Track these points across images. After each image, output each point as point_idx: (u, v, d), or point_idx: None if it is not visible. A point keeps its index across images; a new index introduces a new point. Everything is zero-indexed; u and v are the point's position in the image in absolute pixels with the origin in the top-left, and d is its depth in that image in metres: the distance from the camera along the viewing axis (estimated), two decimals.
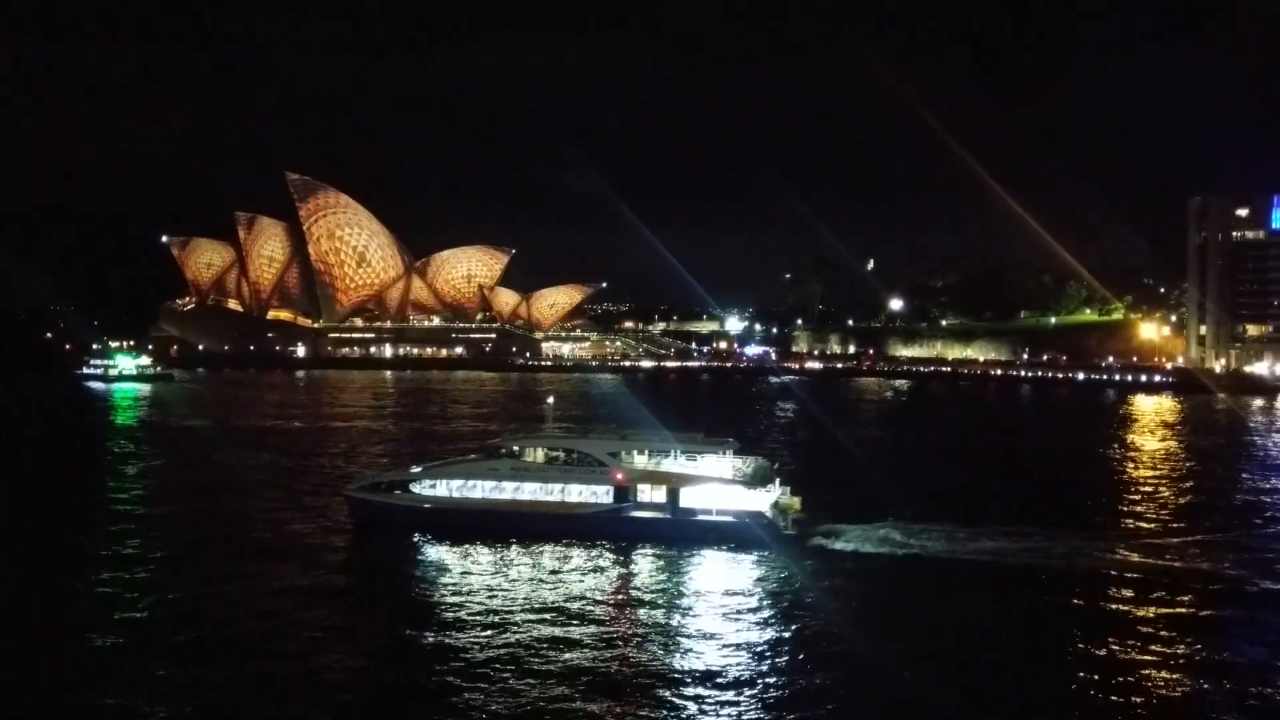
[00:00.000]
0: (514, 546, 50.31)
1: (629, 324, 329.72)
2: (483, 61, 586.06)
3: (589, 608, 40.88)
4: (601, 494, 53.14)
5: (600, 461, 54.33)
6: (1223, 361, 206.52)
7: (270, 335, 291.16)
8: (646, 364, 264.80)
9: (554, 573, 46.13)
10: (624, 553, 49.41)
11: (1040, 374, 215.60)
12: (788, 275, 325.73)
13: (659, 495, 52.54)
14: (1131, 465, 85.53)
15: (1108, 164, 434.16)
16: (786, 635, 38.17)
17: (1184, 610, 41.32)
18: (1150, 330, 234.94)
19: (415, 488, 55.25)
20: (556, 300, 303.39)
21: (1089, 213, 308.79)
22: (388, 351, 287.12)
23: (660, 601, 42.21)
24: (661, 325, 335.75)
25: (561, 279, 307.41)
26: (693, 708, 31.24)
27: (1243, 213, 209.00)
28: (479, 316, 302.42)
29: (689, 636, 37.77)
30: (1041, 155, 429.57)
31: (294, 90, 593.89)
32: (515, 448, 56.90)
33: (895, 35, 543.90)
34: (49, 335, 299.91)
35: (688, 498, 52.30)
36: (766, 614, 40.64)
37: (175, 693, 31.51)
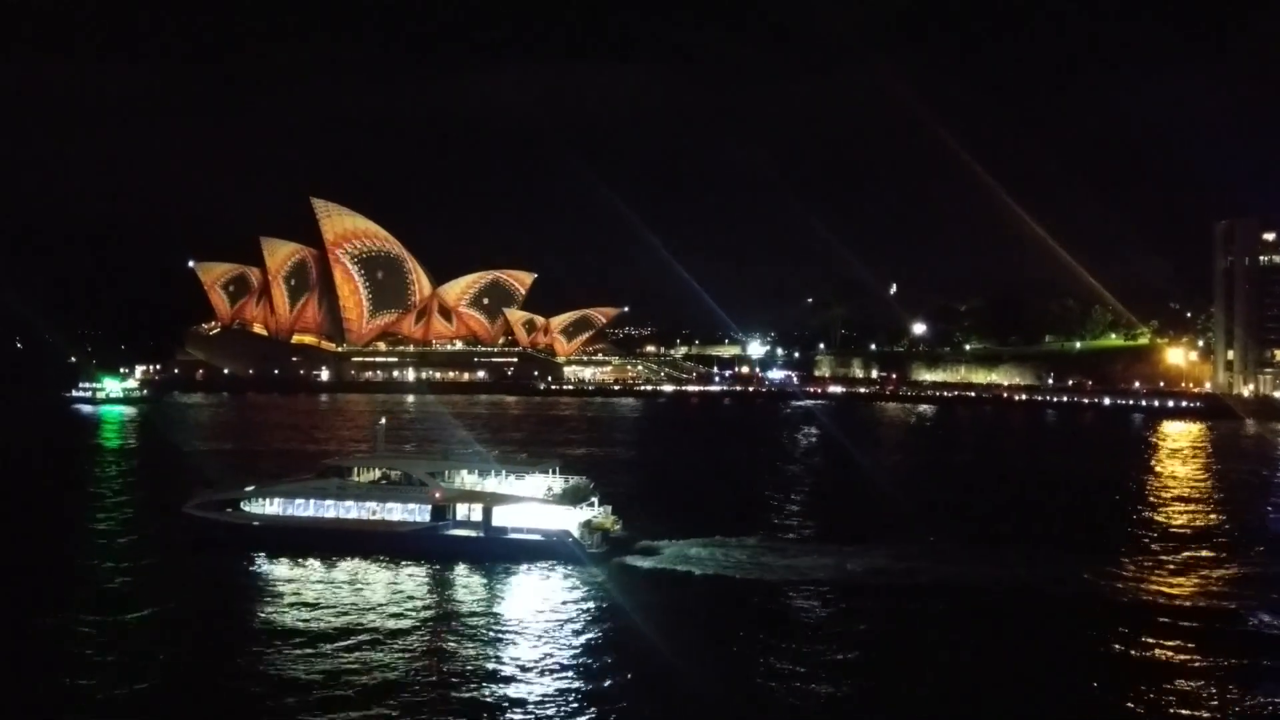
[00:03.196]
0: (335, 564, 51.98)
1: (651, 348, 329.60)
2: (504, 87, 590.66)
3: (391, 623, 42.54)
4: (419, 513, 55.05)
5: (421, 481, 56.55)
6: (1251, 387, 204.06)
7: (294, 359, 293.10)
8: (668, 388, 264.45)
9: (364, 589, 47.88)
10: (438, 570, 51.25)
11: (1066, 399, 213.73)
12: (810, 299, 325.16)
13: (474, 514, 54.46)
14: (1146, 487, 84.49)
15: (1133, 187, 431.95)
16: (566, 647, 39.72)
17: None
18: (1177, 355, 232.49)
19: (246, 506, 57.31)
20: (578, 324, 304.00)
21: (1114, 236, 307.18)
22: (410, 375, 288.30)
23: (460, 617, 43.90)
24: (683, 349, 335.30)
25: (583, 303, 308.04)
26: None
27: (1270, 236, 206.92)
28: (501, 340, 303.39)
29: (476, 653, 39.07)
30: (1065, 178, 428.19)
31: (318, 115, 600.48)
32: (341, 468, 59.68)
33: (916, 57, 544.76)
34: (35, 357, 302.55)
35: (500, 516, 54.11)
36: (554, 629, 42.06)
37: None
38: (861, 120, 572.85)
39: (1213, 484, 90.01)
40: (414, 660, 38.09)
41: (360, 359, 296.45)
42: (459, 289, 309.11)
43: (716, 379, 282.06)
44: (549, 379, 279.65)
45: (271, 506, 57.23)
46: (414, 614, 44.12)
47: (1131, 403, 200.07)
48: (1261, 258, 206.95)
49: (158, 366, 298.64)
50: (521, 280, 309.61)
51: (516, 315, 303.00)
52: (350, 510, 55.94)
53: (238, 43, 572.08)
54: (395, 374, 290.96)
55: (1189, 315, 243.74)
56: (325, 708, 32.90)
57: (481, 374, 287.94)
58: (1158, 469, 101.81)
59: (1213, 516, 71.64)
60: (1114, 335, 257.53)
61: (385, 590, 47.64)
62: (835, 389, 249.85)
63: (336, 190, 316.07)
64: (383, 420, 70.00)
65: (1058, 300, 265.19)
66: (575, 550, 52.42)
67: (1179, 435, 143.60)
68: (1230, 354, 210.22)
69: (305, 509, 56.60)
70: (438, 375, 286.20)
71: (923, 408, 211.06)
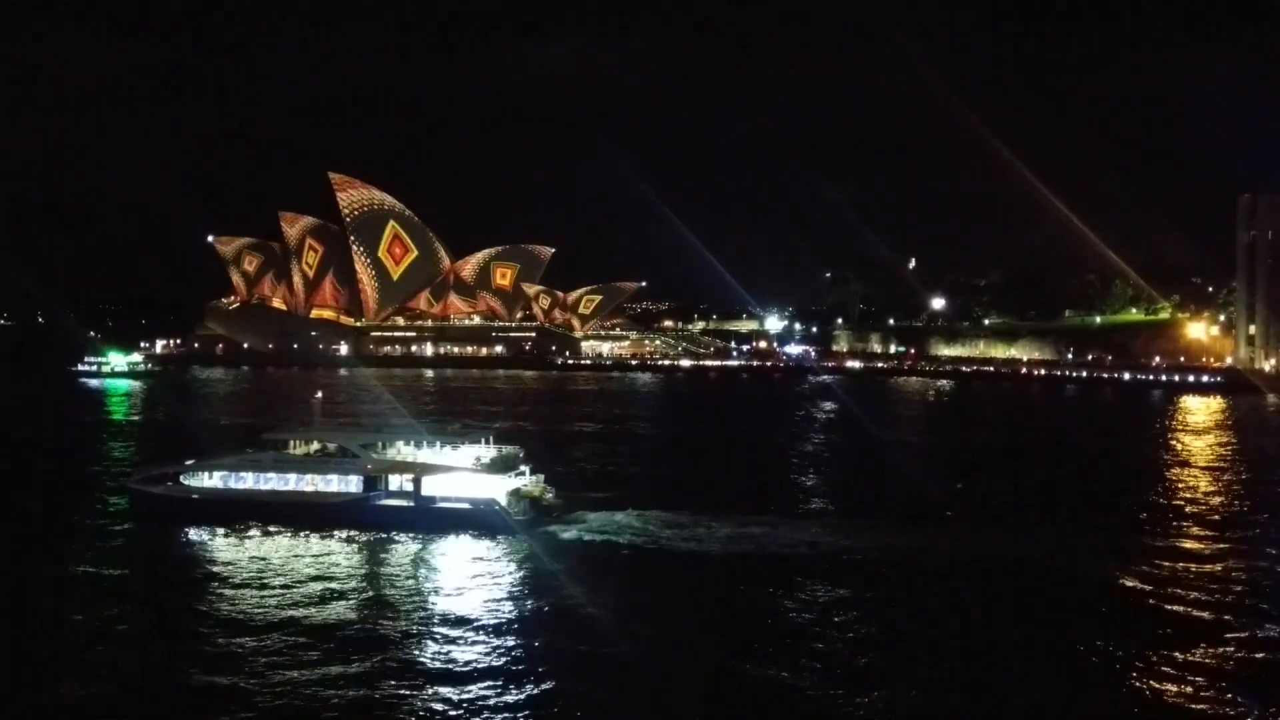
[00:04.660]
0: (271, 535, 53.18)
1: (668, 323, 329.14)
2: (522, 61, 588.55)
3: (320, 592, 43.25)
4: (353, 484, 56.04)
5: (354, 453, 57.88)
6: (1272, 361, 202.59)
7: (313, 334, 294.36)
8: (686, 363, 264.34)
9: (297, 559, 48.89)
10: (370, 539, 52.47)
11: (1086, 374, 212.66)
12: (828, 274, 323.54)
13: (405, 484, 55.53)
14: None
15: (1155, 161, 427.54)
16: (482, 613, 40.79)
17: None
18: (1198, 330, 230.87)
19: (185, 479, 58.49)
20: (596, 299, 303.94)
21: (1136, 211, 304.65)
22: (428, 350, 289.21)
23: (387, 585, 45.45)
24: (701, 324, 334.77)
25: (601, 278, 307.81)
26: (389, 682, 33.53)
27: None
28: (519, 315, 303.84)
29: (397, 619, 39.74)
30: (1087, 153, 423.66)
31: (339, 93, 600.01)
32: (278, 440, 61.36)
33: (936, 31, 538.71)
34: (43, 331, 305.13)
35: (429, 486, 55.16)
36: (475, 595, 43.38)
37: None
38: (881, 96, 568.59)
39: (1235, 459, 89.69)
40: (339, 630, 38.64)
41: (378, 333, 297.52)
42: (477, 264, 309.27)
43: (734, 354, 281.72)
44: (566, 354, 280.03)
45: (211, 480, 58.37)
46: (343, 583, 45.23)
47: (1152, 378, 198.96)
48: None
49: (178, 341, 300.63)
50: (540, 255, 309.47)
51: (534, 290, 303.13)
52: (286, 482, 57.06)
53: (265, 20, 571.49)
54: (414, 349, 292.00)
55: (1210, 290, 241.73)
56: (259, 677, 33.59)
57: (499, 349, 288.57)
58: (1178, 444, 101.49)
59: (1235, 493, 71.47)
60: (1134, 310, 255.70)
61: (317, 560, 48.76)
62: (853, 364, 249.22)
63: (356, 165, 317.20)
64: (319, 394, 71.06)
65: (1078, 275, 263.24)
66: (502, 518, 53.45)
67: (1200, 410, 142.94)
68: (1252, 329, 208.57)
69: (243, 481, 57.78)
70: (455, 350, 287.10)
71: (941, 383, 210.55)
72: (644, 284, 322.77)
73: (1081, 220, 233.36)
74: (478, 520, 53.59)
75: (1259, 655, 36.65)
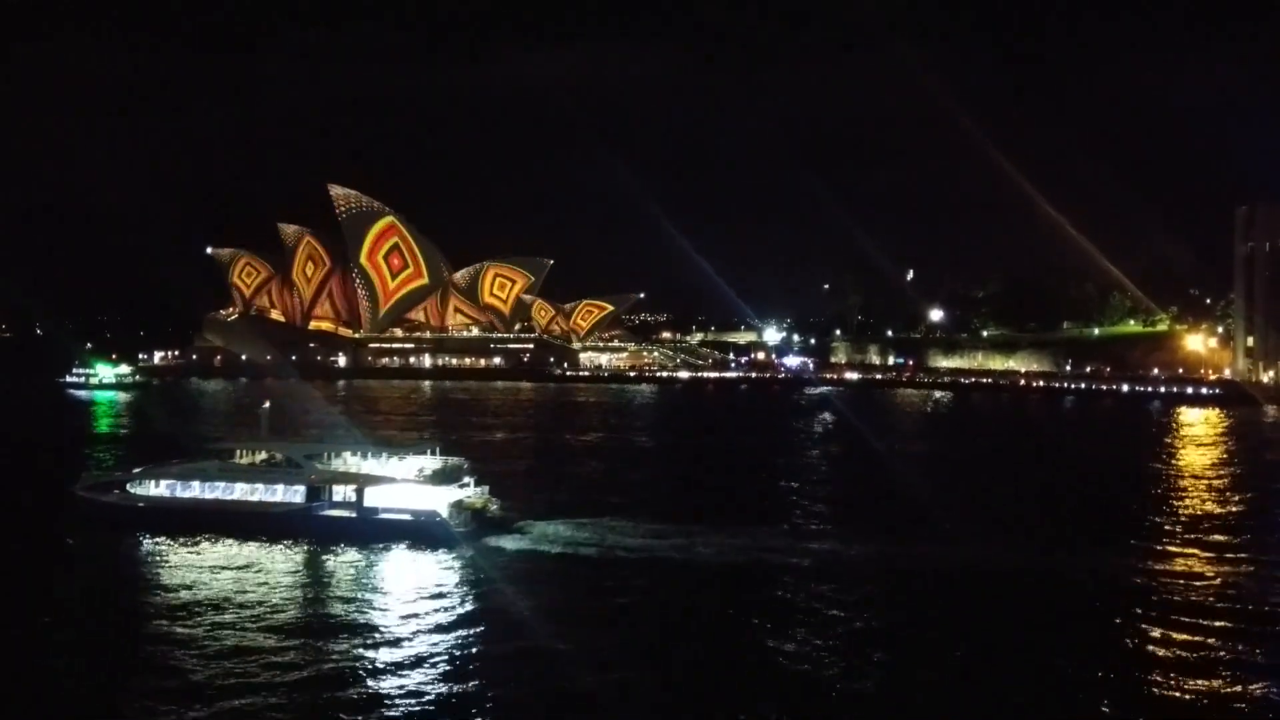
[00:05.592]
0: (215, 544, 53.13)
1: (666, 334, 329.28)
2: (519, 71, 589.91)
3: (258, 601, 43.50)
4: (296, 494, 56.16)
5: (297, 464, 58.21)
6: (1271, 373, 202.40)
7: (311, 345, 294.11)
8: (684, 374, 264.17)
9: (239, 569, 48.98)
10: (312, 549, 52.45)
11: (1084, 385, 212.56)
12: (826, 285, 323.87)
13: (348, 495, 55.63)
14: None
15: (1153, 172, 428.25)
16: (419, 624, 40.89)
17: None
18: (1196, 341, 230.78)
19: (131, 487, 58.53)
20: (594, 310, 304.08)
21: (1134, 222, 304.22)
22: (427, 362, 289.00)
23: (326, 595, 45.67)
24: (699, 335, 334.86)
25: (599, 289, 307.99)
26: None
27: None
28: (517, 327, 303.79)
29: (334, 630, 39.98)
30: (1084, 163, 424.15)
31: (339, 101, 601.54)
32: (223, 450, 61.49)
33: (934, 40, 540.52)
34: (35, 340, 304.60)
35: (372, 497, 55.18)
36: (414, 606, 43.43)
37: None
38: (880, 102, 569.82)
39: (1232, 471, 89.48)
40: (273, 638, 38.82)
41: (377, 345, 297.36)
42: (475, 275, 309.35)
43: (733, 365, 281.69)
44: (565, 365, 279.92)
45: (157, 488, 58.58)
46: (281, 592, 45.56)
47: (1150, 389, 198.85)
48: None
49: (176, 353, 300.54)
50: (538, 266, 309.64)
51: (533, 301, 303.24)
52: (231, 491, 57.24)
53: (262, 27, 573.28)
54: (412, 360, 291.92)
55: (1208, 301, 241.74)
56: (195, 685, 33.81)
57: (498, 360, 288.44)
58: (1176, 456, 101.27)
59: (1232, 504, 71.23)
60: (1132, 321, 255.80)
61: (256, 569, 48.91)
62: (851, 375, 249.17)
63: (355, 176, 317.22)
64: (266, 404, 71.75)
65: (1076, 286, 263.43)
66: (443, 529, 53.55)
67: (1198, 422, 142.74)
68: (1250, 340, 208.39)
69: (188, 490, 57.97)
70: (454, 361, 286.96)
71: (939, 394, 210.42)
72: (642, 295, 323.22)
73: (1080, 230, 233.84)
74: (418, 531, 53.68)
75: (1258, 663, 36.40)
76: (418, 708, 32.59)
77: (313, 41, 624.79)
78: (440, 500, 54.74)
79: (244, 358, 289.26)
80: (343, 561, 50.90)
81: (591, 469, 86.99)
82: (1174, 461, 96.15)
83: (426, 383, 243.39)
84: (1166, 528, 61.32)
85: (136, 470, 60.58)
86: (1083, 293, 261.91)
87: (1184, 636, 39.49)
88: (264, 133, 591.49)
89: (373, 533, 53.92)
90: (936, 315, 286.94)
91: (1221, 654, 37.69)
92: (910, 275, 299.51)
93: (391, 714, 32.26)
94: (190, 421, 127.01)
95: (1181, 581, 47.83)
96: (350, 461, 59.40)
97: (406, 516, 54.22)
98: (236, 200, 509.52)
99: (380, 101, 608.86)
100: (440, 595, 45.23)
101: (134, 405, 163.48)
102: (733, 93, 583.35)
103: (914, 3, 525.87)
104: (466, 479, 57.96)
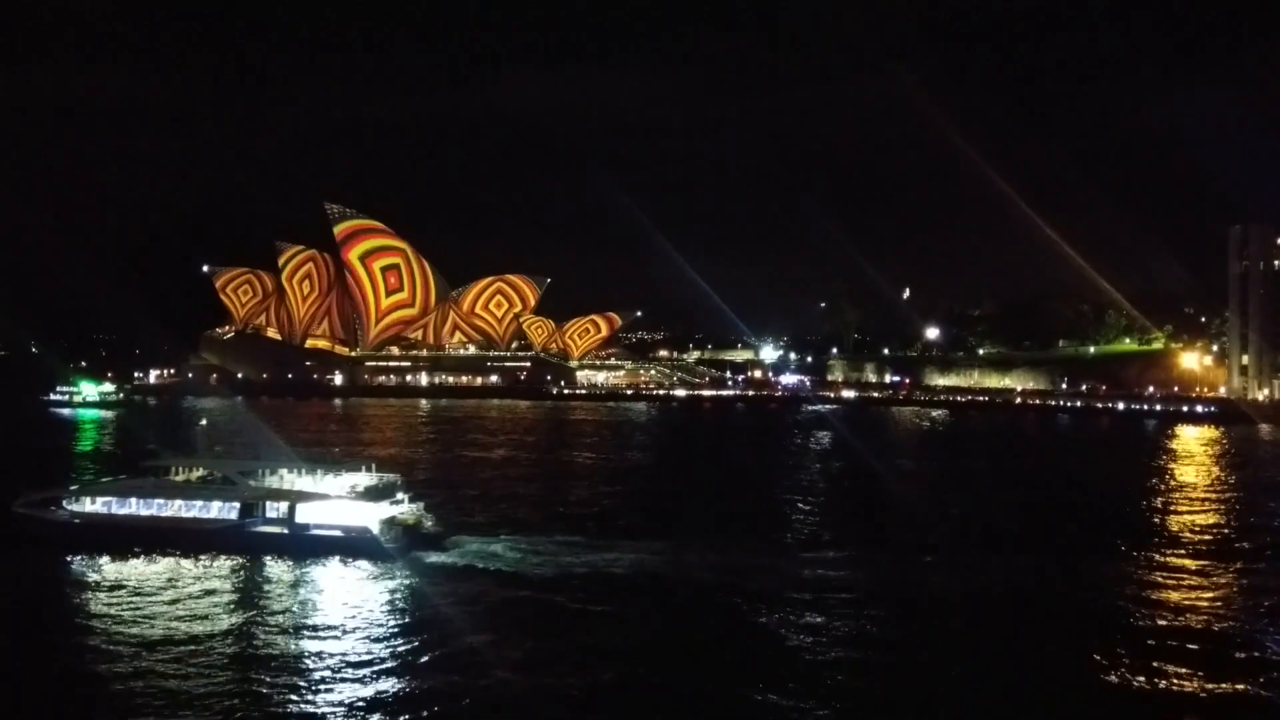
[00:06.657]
0: (149, 560, 53.79)
1: (663, 352, 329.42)
2: (517, 92, 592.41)
3: (188, 614, 44.35)
4: (229, 510, 56.90)
5: (232, 481, 59.28)
6: (1265, 391, 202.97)
7: (308, 364, 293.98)
8: (681, 393, 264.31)
9: (172, 585, 49.23)
10: (245, 565, 53.14)
11: (1079, 404, 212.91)
12: (823, 304, 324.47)
13: (281, 511, 56.38)
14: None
15: (1147, 192, 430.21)
16: (343, 637, 41.51)
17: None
18: (1191, 360, 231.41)
19: (68, 504, 59.32)
20: (591, 328, 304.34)
21: (1128, 241, 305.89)
22: (423, 380, 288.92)
23: (257, 608, 46.22)
24: (696, 354, 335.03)
25: (596, 308, 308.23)
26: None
27: None
28: (514, 345, 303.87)
29: (262, 644, 40.71)
30: (1079, 183, 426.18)
31: (336, 122, 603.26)
32: (160, 467, 62.55)
33: (933, 64, 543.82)
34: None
35: (304, 513, 55.92)
36: (340, 619, 44.04)
37: None
38: (876, 126, 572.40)
39: (1227, 490, 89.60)
40: (205, 652, 39.46)
41: (373, 363, 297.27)
42: (472, 294, 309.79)
43: (729, 383, 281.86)
44: (562, 383, 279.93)
45: (92, 505, 59.30)
46: (214, 607, 46.09)
47: (1146, 408, 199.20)
48: (1276, 262, 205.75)
49: (172, 371, 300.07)
50: (534, 285, 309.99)
51: (529, 320, 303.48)
52: (167, 508, 57.93)
53: (259, 49, 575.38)
54: (408, 378, 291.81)
55: (1203, 320, 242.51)
56: (124, 700, 34.35)
57: (494, 378, 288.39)
58: (1172, 473, 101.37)
59: (1227, 523, 71.29)
60: (1128, 340, 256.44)
61: (190, 585, 49.54)
62: (848, 393, 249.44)
63: (352, 196, 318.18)
64: (203, 421, 71.85)
65: (1072, 305, 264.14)
66: (373, 545, 54.30)
67: (1194, 440, 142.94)
68: (1245, 359, 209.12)
69: (124, 507, 58.64)
70: (450, 380, 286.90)
71: (936, 412, 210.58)
72: (639, 314, 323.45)
73: (1075, 249, 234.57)
74: (349, 547, 54.50)
75: (1256, 679, 36.39)
76: (333, 706, 33.99)
77: (311, 66, 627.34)
78: (371, 516, 55.64)
79: (240, 376, 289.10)
80: (274, 576, 51.91)
81: (558, 487, 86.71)
82: (1171, 480, 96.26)
83: (423, 401, 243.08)
84: (1165, 546, 61.34)
85: (74, 487, 61.45)
86: (1078, 311, 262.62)
87: (1169, 661, 39.46)
88: (262, 155, 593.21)
89: (305, 548, 54.82)
90: (933, 333, 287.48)
91: (1219, 669, 37.66)
92: (907, 294, 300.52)
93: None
94: (170, 440, 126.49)
95: (1179, 599, 47.84)
96: (286, 478, 60.49)
97: (338, 532, 55.17)
98: (233, 220, 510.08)
99: (380, 124, 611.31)
100: (364, 607, 46.15)
101: (115, 423, 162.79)
102: (731, 115, 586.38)
103: (911, 27, 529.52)
104: (400, 495, 59.01)
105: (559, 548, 56.41)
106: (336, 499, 57.24)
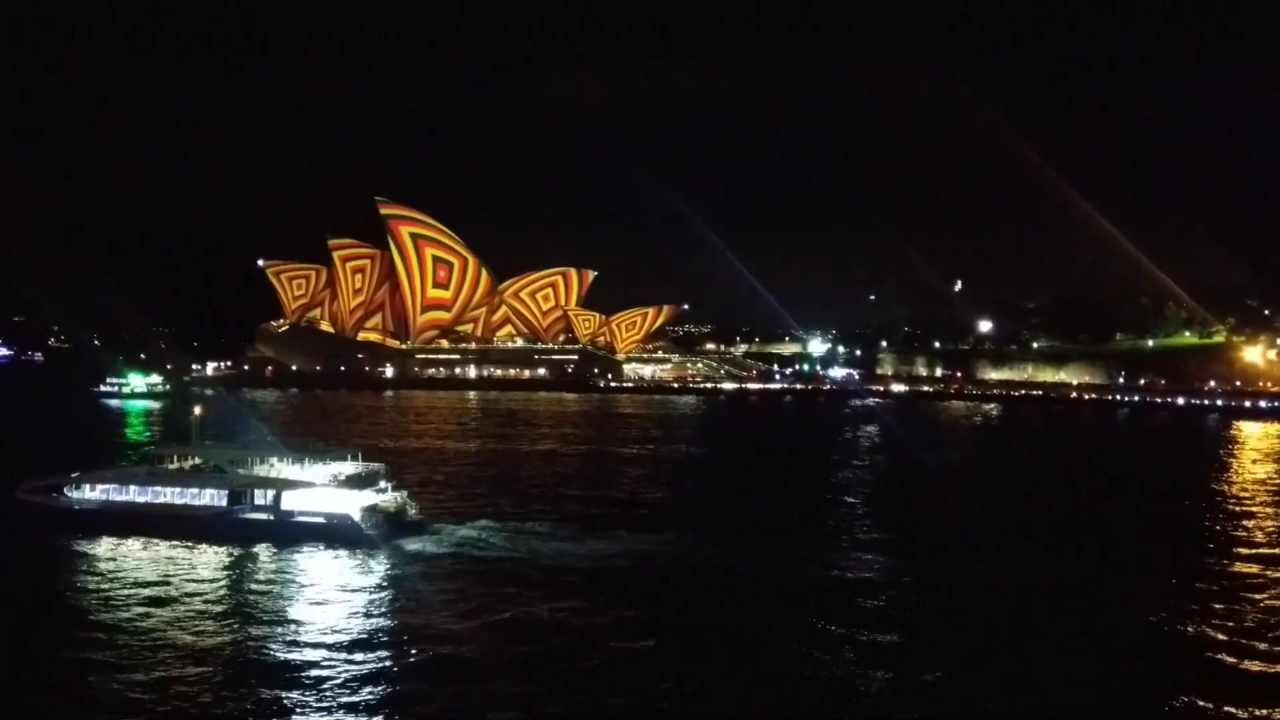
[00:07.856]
0: (143, 546, 55.84)
1: (711, 345, 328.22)
2: (567, 87, 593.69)
3: (179, 596, 46.27)
4: (219, 498, 59.10)
5: (222, 469, 62.05)
6: None
7: (360, 356, 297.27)
8: (728, 386, 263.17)
9: (163, 569, 51.15)
10: (233, 551, 54.81)
11: (1138, 399, 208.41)
12: (872, 297, 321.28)
13: (267, 499, 58.55)
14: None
15: (1209, 183, 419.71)
16: (324, 619, 42.80)
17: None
18: (1254, 354, 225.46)
19: (69, 491, 62.06)
20: (638, 322, 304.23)
21: (1189, 233, 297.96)
22: (472, 372, 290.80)
23: (242, 590, 48.15)
24: (743, 347, 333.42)
25: (643, 301, 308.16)
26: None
27: None
28: (561, 338, 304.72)
29: (248, 621, 42.63)
30: (1139, 174, 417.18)
31: (387, 118, 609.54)
32: (154, 455, 66.19)
33: (985, 55, 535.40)
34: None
35: (289, 501, 58.06)
36: (319, 601, 45.83)
37: None
38: (928, 118, 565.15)
39: None
40: (192, 633, 40.94)
41: (423, 356, 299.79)
42: (520, 287, 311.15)
43: (777, 377, 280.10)
44: (609, 376, 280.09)
45: (91, 492, 61.93)
46: (202, 589, 47.94)
47: (1206, 403, 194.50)
48: None
49: (229, 363, 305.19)
50: (582, 278, 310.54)
51: (577, 313, 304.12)
52: (160, 495, 60.43)
53: (310, 46, 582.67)
54: (457, 371, 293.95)
55: (1266, 313, 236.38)
56: (113, 682, 35.47)
57: (542, 371, 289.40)
58: (1235, 471, 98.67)
59: None
60: (1188, 334, 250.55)
61: (180, 569, 51.34)
62: (898, 387, 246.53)
63: (402, 191, 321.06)
64: (197, 410, 73.35)
65: (1130, 298, 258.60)
66: (355, 532, 56.04)
67: (1257, 436, 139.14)
68: None
69: (120, 494, 61.33)
70: (499, 372, 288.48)
71: (988, 407, 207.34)
72: (686, 307, 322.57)
73: (1132, 241, 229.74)
74: (332, 533, 56.33)
75: None
76: (314, 687, 35.24)
77: (361, 62, 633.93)
78: (354, 504, 57.50)
79: (294, 368, 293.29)
80: (259, 561, 53.65)
81: (569, 474, 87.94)
82: (1234, 477, 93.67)
83: (471, 393, 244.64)
84: (1226, 548, 59.59)
85: (74, 475, 63.81)
86: (1136, 304, 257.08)
87: (1237, 659, 38.22)
88: (314, 150, 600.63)
89: (289, 534, 56.71)
90: (985, 326, 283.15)
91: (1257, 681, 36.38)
92: (958, 286, 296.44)
93: (290, 692, 34.76)
94: (211, 430, 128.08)
95: (1237, 604, 46.36)
96: (275, 467, 63.04)
97: (320, 519, 57.17)
98: (287, 214, 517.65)
99: (429, 119, 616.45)
100: (344, 591, 47.72)
101: (161, 414, 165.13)
102: (778, 108, 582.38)
103: (963, 22, 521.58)
104: (384, 483, 61.15)
105: (549, 537, 58.17)
106: (321, 487, 59.54)
